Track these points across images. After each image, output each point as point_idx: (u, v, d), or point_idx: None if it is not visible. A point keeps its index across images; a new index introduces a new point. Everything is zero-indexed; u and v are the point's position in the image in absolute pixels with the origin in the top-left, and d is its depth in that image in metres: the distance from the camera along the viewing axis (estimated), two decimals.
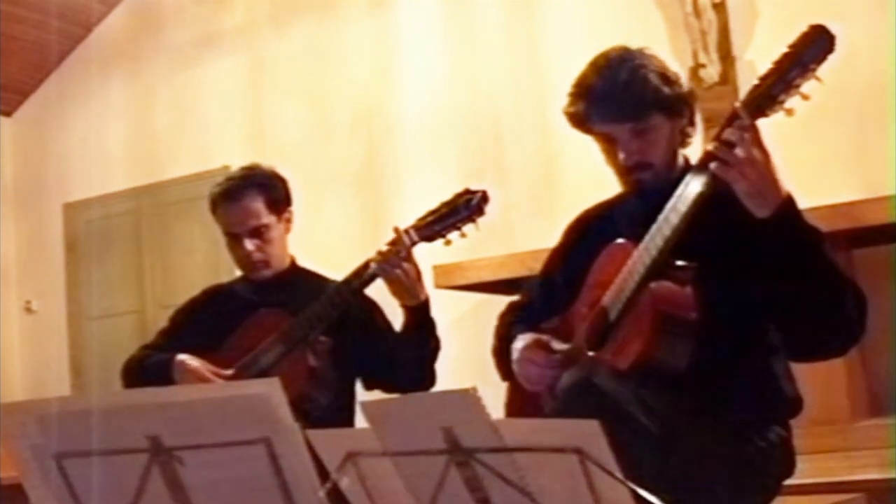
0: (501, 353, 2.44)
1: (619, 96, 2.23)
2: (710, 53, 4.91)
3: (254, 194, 2.94)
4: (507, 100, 5.69)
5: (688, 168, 2.23)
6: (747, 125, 1.99)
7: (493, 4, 5.81)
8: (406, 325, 2.83)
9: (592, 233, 2.43)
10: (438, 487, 1.55)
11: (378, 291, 2.87)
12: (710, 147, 2.05)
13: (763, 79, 2.01)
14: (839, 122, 4.64)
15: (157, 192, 6.78)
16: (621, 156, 2.26)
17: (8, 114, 7.33)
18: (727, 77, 4.89)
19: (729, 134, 2.00)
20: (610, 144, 2.28)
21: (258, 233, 2.94)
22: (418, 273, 2.77)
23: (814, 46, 1.96)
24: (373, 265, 2.76)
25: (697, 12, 4.98)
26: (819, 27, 1.97)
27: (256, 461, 1.63)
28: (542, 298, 2.52)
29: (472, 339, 4.95)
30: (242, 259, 2.98)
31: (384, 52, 6.12)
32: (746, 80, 4.78)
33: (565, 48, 5.47)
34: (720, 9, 4.98)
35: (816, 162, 4.75)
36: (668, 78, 2.28)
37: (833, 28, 1.97)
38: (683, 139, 2.34)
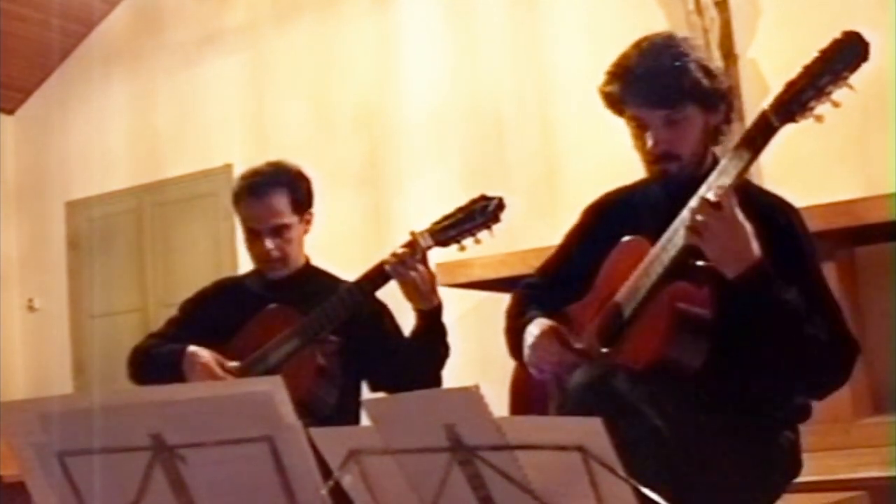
0: (512, 330, 2.40)
1: (657, 81, 2.20)
2: (713, 51, 4.89)
3: (279, 193, 2.92)
4: (509, 99, 5.68)
5: (715, 166, 2.15)
6: (723, 194, 1.99)
7: (495, 4, 5.81)
8: (417, 330, 2.82)
9: (611, 219, 2.39)
10: (441, 485, 1.55)
11: (390, 296, 2.86)
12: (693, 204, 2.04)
13: (791, 84, 1.98)
14: (840, 121, 4.60)
15: (159, 190, 6.78)
16: (650, 142, 2.22)
17: (10, 112, 7.33)
18: (729, 75, 4.88)
19: (698, 204, 2.01)
20: (641, 129, 2.25)
21: (279, 231, 2.93)
22: (432, 277, 2.75)
23: (846, 53, 1.94)
24: (387, 267, 2.75)
25: (699, 10, 4.97)
26: (853, 34, 1.94)
27: (259, 459, 1.63)
28: (556, 282, 2.48)
29: (475, 337, 4.98)
30: (260, 256, 2.97)
31: (386, 51, 6.12)
32: (748, 79, 4.79)
33: (567, 47, 5.47)
34: (722, 7, 4.97)
35: (817, 160, 4.75)
36: (709, 71, 2.24)
37: (868, 35, 1.94)
38: (716, 136, 2.29)
